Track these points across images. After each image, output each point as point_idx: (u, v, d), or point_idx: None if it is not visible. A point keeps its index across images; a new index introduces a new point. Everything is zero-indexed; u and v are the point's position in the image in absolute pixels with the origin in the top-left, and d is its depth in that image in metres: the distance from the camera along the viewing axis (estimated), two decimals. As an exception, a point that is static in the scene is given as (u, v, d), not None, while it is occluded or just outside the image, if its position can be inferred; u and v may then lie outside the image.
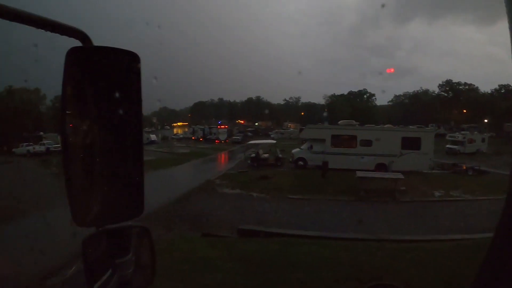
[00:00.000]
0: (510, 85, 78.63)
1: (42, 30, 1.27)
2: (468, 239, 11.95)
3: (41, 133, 45.81)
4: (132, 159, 1.38)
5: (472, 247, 9.86)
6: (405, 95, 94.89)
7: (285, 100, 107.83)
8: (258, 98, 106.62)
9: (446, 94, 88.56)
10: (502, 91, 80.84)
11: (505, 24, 1.16)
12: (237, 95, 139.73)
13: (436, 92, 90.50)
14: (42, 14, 1.26)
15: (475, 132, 47.78)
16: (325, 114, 77.06)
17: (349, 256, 10.63)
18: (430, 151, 29.97)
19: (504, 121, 60.61)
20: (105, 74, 1.32)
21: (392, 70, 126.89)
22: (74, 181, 1.30)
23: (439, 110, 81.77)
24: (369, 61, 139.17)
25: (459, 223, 14.96)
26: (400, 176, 22.21)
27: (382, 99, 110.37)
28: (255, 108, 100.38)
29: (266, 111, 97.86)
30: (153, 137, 62.63)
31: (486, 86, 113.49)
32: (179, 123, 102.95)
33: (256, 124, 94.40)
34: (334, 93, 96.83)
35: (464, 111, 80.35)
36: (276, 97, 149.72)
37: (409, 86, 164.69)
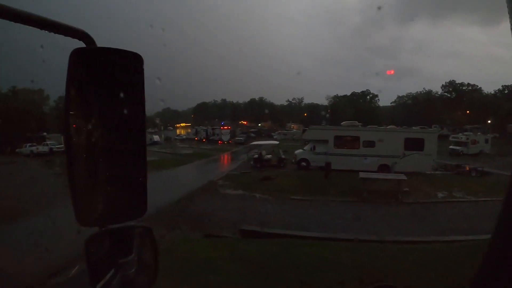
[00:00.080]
0: (513, 86, 78.63)
1: (46, 31, 1.28)
2: (471, 241, 11.91)
3: (45, 133, 45.93)
4: (135, 160, 1.39)
5: (475, 249, 9.84)
6: (408, 96, 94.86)
7: (288, 101, 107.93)
8: (261, 99, 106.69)
9: (449, 95, 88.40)
10: (506, 92, 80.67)
11: (508, 24, 1.16)
12: (240, 96, 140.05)
13: (439, 93, 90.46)
14: (45, 15, 1.27)
15: (479, 133, 47.67)
16: (327, 115, 77.20)
17: (352, 257, 10.63)
18: (433, 152, 29.91)
19: (507, 122, 60.44)
20: (108, 75, 1.33)
21: (392, 71, 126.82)
22: (78, 181, 1.31)
23: (442, 111, 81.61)
24: (372, 62, 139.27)
25: (462, 225, 14.90)
26: (403, 177, 22.14)
27: (385, 100, 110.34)
28: (258, 109, 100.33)
29: (266, 111, 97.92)
30: (156, 138, 62.76)
31: (489, 86, 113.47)
32: (182, 124, 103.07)
33: (259, 125, 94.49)
34: (337, 94, 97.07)
35: (467, 112, 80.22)
36: (279, 98, 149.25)
37: (412, 87, 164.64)
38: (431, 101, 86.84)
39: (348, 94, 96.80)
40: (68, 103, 1.28)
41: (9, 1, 1.18)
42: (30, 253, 9.15)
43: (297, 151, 33.64)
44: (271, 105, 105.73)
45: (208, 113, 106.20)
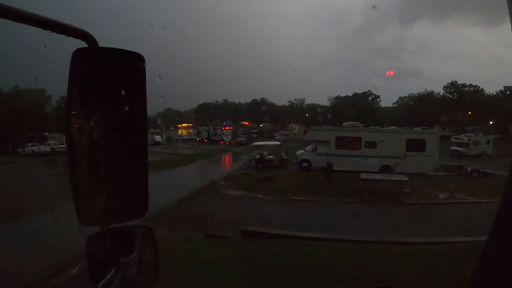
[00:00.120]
0: (515, 87, 78.46)
1: (48, 31, 1.29)
2: (472, 242, 11.89)
3: (46, 133, 45.97)
4: (137, 160, 1.39)
5: (476, 250, 9.82)
6: (410, 96, 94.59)
7: (289, 101, 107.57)
8: (262, 99, 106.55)
9: (451, 96, 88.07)
10: (508, 93, 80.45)
11: (510, 25, 1.17)
12: (242, 97, 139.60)
13: (441, 94, 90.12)
14: (48, 15, 1.27)
15: (480, 134, 47.61)
16: (329, 115, 77.16)
17: (353, 258, 10.62)
18: (435, 153, 29.88)
19: (509, 123, 60.33)
20: (110, 75, 1.33)
21: (392, 72, 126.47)
22: (79, 180, 1.31)
23: (444, 112, 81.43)
24: (374, 63, 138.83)
25: (464, 226, 14.88)
26: (405, 178, 22.14)
27: (386, 101, 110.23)
28: (259, 110, 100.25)
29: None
30: (157, 138, 62.72)
31: (491, 87, 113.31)
32: (183, 124, 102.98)
33: (261, 125, 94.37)
34: (339, 95, 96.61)
35: (469, 113, 80.00)
36: (280, 99, 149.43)
37: (414, 87, 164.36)
38: (433, 102, 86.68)
39: (350, 94, 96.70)
40: (70, 103, 1.29)
41: (12, 2, 1.19)
42: (31, 253, 9.17)
43: (298, 152, 33.66)
44: (272, 106, 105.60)
45: (209, 114, 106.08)
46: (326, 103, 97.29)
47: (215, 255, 10.96)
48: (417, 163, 28.55)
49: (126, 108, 1.34)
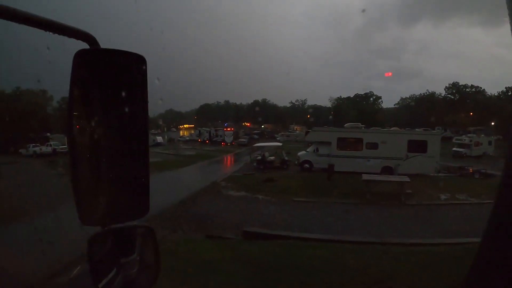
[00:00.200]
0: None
1: (50, 33, 1.29)
2: (474, 243, 11.86)
3: (48, 134, 46.05)
4: (138, 160, 1.40)
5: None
6: (412, 97, 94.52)
7: (291, 102, 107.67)
8: (264, 100, 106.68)
9: (452, 97, 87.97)
10: (509, 94, 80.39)
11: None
12: (243, 98, 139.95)
13: (442, 95, 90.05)
14: (49, 17, 1.28)
15: (482, 135, 47.52)
16: (330, 117, 77.14)
17: (354, 259, 10.61)
18: (436, 154, 29.83)
19: (511, 124, 60.20)
20: (111, 76, 1.34)
21: (390, 74, 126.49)
22: (81, 181, 1.32)
23: (445, 113, 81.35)
24: (375, 64, 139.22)
25: (465, 227, 14.85)
26: (406, 179, 22.12)
27: (388, 102, 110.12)
28: (261, 111, 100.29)
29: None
30: (159, 139, 62.74)
31: (493, 88, 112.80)
32: (185, 125, 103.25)
33: (262, 126, 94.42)
34: (340, 96, 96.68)
35: (471, 114, 79.93)
36: (282, 100, 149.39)
37: (415, 88, 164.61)
38: (434, 103, 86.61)
39: (351, 95, 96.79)
40: (72, 104, 1.30)
41: (14, 3, 1.19)
42: (31, 253, 9.17)
43: (300, 153, 33.68)
44: (274, 107, 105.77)
45: (211, 115, 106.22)
46: (328, 104, 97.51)
47: (216, 256, 10.96)
48: (419, 164, 28.54)
49: (127, 109, 1.35)
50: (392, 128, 39.37)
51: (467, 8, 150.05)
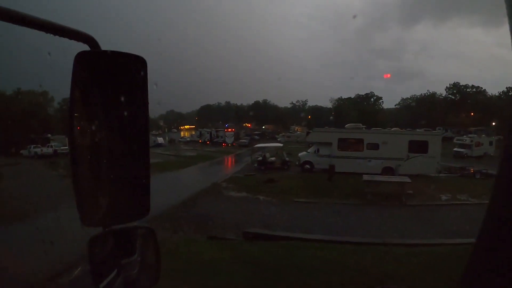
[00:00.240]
0: (518, 87, 78.18)
1: (52, 35, 1.30)
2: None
3: (49, 135, 46.06)
4: (139, 161, 1.41)
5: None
6: (412, 98, 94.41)
7: (292, 103, 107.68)
8: (265, 101, 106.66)
9: (453, 97, 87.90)
10: (510, 94, 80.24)
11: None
12: (244, 99, 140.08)
13: (443, 95, 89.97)
14: (51, 19, 1.29)
15: (483, 135, 47.39)
16: (331, 117, 77.13)
17: (355, 259, 10.59)
18: (437, 155, 29.80)
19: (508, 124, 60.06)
20: (112, 78, 1.35)
21: (389, 75, 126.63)
22: (82, 182, 1.33)
23: (446, 113, 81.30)
24: (376, 64, 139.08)
25: (466, 227, 14.83)
26: (407, 179, 22.11)
27: (389, 102, 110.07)
28: (262, 112, 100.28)
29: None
30: (160, 140, 62.79)
31: (493, 88, 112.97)
32: (186, 126, 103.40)
33: (263, 127, 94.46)
34: (341, 96, 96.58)
35: (472, 114, 79.89)
36: (283, 101, 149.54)
37: (416, 89, 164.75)
38: (435, 103, 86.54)
39: (352, 96, 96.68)
40: (73, 105, 1.30)
41: (16, 5, 1.20)
42: (32, 253, 9.19)
43: (301, 154, 33.62)
44: (275, 108, 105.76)
45: (212, 116, 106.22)
46: (328, 104, 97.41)
47: (217, 256, 10.95)
48: (420, 165, 28.52)
49: (128, 110, 1.36)
50: (393, 129, 39.33)
51: (467, 8, 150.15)
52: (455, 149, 44.70)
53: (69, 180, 1.32)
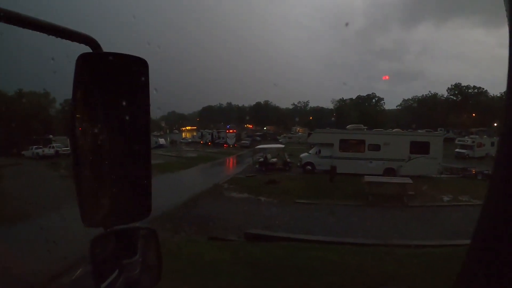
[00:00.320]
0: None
1: (54, 37, 1.31)
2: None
3: (51, 136, 46.11)
4: (140, 162, 1.41)
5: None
6: (414, 99, 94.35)
7: (293, 104, 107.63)
8: (266, 102, 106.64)
9: (455, 98, 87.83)
10: (502, 93, 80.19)
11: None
12: (246, 100, 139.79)
13: (445, 96, 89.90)
14: (53, 21, 1.30)
15: (485, 136, 47.30)
16: (333, 118, 77.13)
17: (356, 261, 10.59)
18: (439, 156, 29.76)
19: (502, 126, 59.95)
20: (114, 79, 1.36)
21: (387, 77, 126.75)
22: (83, 182, 1.33)
23: (448, 114, 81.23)
24: (378, 65, 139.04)
25: (468, 228, 14.75)
26: (409, 180, 22.07)
27: (390, 103, 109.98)
28: (263, 113, 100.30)
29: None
30: (161, 141, 62.82)
31: (495, 89, 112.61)
32: (187, 127, 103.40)
33: (265, 128, 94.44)
34: (343, 97, 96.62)
35: (474, 114, 79.78)
36: (284, 102, 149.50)
37: (417, 89, 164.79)
38: (437, 104, 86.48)
39: (354, 97, 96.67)
40: (75, 106, 1.31)
41: (18, 7, 1.21)
42: (37, 252, 9.20)
43: (302, 155, 33.61)
44: (276, 109, 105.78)
45: (213, 117, 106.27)
46: (330, 105, 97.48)
47: (218, 257, 10.97)
48: (421, 166, 28.50)
49: (130, 112, 1.36)
50: (395, 130, 39.33)
51: (468, 9, 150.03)
52: (456, 150, 44.71)
53: (71, 180, 1.32)
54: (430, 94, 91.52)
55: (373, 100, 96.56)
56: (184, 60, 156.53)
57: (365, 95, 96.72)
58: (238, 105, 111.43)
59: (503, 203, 1.10)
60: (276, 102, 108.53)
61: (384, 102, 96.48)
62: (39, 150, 41.61)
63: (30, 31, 1.25)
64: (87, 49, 1.37)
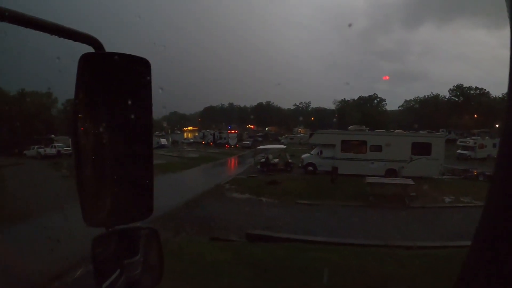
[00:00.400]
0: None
1: (56, 37, 1.31)
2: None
3: (52, 135, 46.12)
4: (142, 162, 1.42)
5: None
6: (416, 100, 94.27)
7: (295, 105, 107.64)
8: (268, 103, 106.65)
9: (456, 99, 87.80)
10: (503, 94, 79.89)
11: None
12: (247, 100, 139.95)
13: (446, 97, 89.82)
14: (56, 21, 1.30)
15: (486, 137, 47.19)
16: (334, 119, 77.09)
17: (358, 262, 10.58)
18: (440, 157, 29.72)
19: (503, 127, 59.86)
20: (116, 80, 1.36)
21: (387, 77, 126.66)
22: (85, 182, 1.34)
23: (449, 115, 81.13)
24: (379, 66, 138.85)
25: (469, 229, 14.69)
26: (410, 182, 22.02)
27: (392, 104, 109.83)
28: (265, 113, 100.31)
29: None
30: (163, 141, 62.84)
31: (497, 90, 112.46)
32: (189, 128, 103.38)
33: (266, 129, 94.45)
34: (344, 98, 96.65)
35: (475, 116, 79.67)
36: (286, 102, 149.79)
37: (419, 90, 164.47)
38: (439, 105, 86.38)
39: (355, 98, 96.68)
40: (77, 106, 1.31)
41: (20, 7, 1.21)
42: (37, 251, 9.22)
43: (304, 155, 33.61)
44: (278, 109, 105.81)
45: (215, 117, 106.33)
46: (332, 106, 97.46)
47: (219, 258, 10.96)
48: (423, 167, 28.47)
49: (132, 112, 1.36)
50: (396, 131, 39.38)
51: (470, 10, 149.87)
52: (458, 151, 44.67)
53: (73, 180, 1.33)
54: (432, 95, 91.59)
55: (375, 101, 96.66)
56: (186, 60, 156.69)
57: (367, 96, 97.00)
58: (240, 105, 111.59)
59: (504, 204, 1.10)
60: (278, 103, 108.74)
61: (386, 103, 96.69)
62: (41, 150, 41.63)
63: (33, 31, 1.25)
64: (89, 49, 1.37)
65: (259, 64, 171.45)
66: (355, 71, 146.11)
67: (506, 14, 1.20)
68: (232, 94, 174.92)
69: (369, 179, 22.64)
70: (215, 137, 70.31)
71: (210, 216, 17.18)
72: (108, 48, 1.42)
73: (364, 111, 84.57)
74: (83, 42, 1.38)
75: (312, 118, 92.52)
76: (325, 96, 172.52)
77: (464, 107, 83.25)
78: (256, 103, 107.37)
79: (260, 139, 70.88)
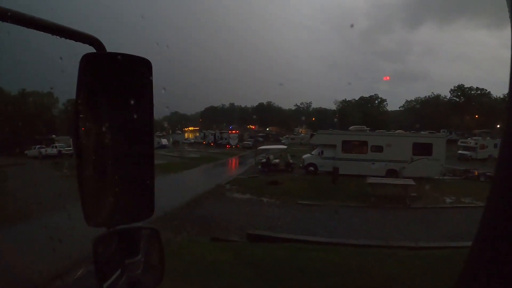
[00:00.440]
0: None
1: (57, 37, 1.32)
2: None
3: (53, 135, 46.19)
4: (143, 162, 1.42)
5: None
6: (417, 100, 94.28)
7: (296, 105, 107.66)
8: (269, 103, 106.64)
9: (458, 99, 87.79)
10: (505, 95, 79.70)
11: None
12: (248, 100, 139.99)
13: (447, 97, 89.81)
14: (57, 21, 1.30)
15: (487, 138, 47.09)
16: (335, 119, 77.05)
17: (358, 262, 10.57)
18: (441, 157, 29.69)
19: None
20: (118, 80, 1.36)
21: (388, 78, 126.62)
22: (86, 182, 1.34)
23: (450, 115, 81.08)
24: (380, 66, 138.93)
25: (471, 230, 14.66)
26: (411, 182, 22.00)
27: (393, 105, 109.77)
28: (266, 114, 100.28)
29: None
30: (164, 141, 62.83)
31: (498, 90, 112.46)
32: (190, 128, 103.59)
33: (267, 129, 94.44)
34: (345, 99, 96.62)
35: (476, 116, 79.62)
36: (287, 103, 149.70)
37: (420, 91, 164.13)
38: (440, 106, 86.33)
39: (356, 98, 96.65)
40: (78, 106, 1.31)
41: (21, 7, 1.22)
42: (39, 251, 9.23)
43: (304, 156, 33.62)
44: (279, 110, 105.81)
45: (216, 117, 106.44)
46: (333, 106, 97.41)
47: (220, 258, 10.97)
48: (424, 167, 28.44)
49: (133, 112, 1.37)
50: (397, 131, 39.37)
51: (471, 10, 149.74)
52: (459, 151, 44.64)
53: (74, 180, 1.33)
54: (433, 96, 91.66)
55: (376, 101, 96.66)
56: (187, 61, 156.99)
57: (368, 96, 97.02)
58: (240, 105, 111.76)
59: (505, 204, 1.10)
60: (279, 103, 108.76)
61: (387, 103, 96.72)
62: (42, 150, 41.70)
63: (34, 31, 1.26)
64: (91, 49, 1.37)
65: (260, 64, 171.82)
66: (356, 72, 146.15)
67: (507, 14, 1.20)
68: (233, 94, 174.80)
69: (370, 180, 22.63)
70: (216, 137, 70.22)
71: (211, 217, 17.19)
72: (109, 48, 1.43)
73: (365, 112, 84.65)
74: (84, 42, 1.38)
75: (313, 119, 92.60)
76: (326, 97, 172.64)
77: (465, 107, 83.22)
78: (257, 103, 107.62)
79: (261, 139, 70.75)
